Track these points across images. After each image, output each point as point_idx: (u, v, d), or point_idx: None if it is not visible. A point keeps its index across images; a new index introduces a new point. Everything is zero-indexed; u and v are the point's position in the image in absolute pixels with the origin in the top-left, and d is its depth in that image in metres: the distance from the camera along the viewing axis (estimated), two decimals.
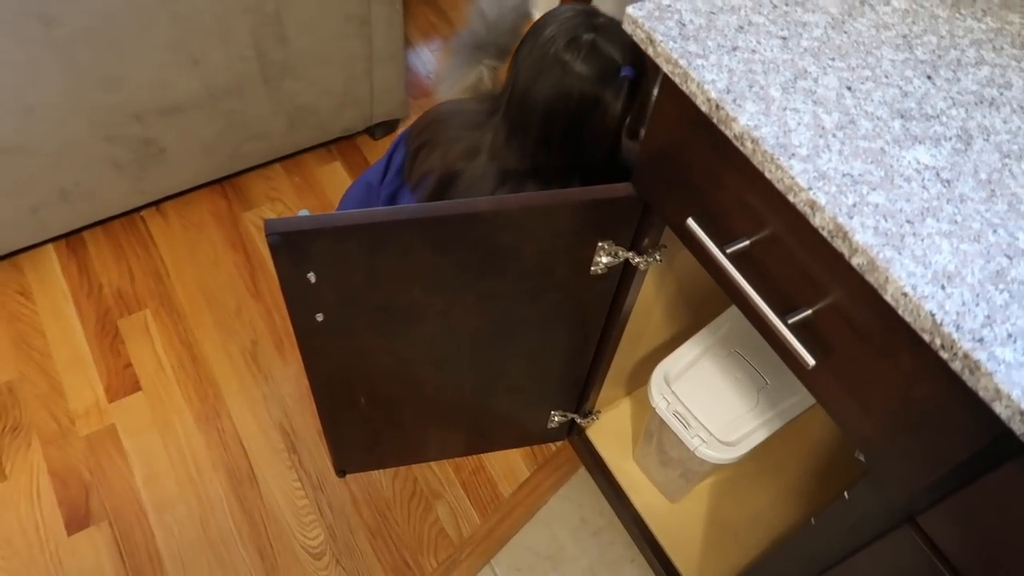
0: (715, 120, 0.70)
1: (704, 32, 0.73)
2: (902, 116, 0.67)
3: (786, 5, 0.76)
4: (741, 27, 0.74)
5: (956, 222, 0.60)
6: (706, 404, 1.10)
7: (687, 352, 1.14)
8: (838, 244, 0.61)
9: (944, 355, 0.55)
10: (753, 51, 0.72)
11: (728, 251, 0.75)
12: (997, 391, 0.52)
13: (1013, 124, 0.67)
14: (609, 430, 1.39)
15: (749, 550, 1.25)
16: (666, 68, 0.73)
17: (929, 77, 0.70)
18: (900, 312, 0.57)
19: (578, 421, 1.37)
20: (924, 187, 0.62)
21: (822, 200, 0.61)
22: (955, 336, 0.54)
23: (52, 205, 1.55)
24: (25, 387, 1.50)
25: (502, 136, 1.02)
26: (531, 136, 1.00)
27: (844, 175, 0.63)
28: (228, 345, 1.58)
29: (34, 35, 1.27)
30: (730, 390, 1.12)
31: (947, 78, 0.70)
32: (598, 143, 1.01)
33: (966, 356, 0.53)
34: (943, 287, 0.56)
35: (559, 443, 1.49)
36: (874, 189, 0.62)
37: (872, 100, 0.68)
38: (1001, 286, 0.56)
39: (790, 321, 0.70)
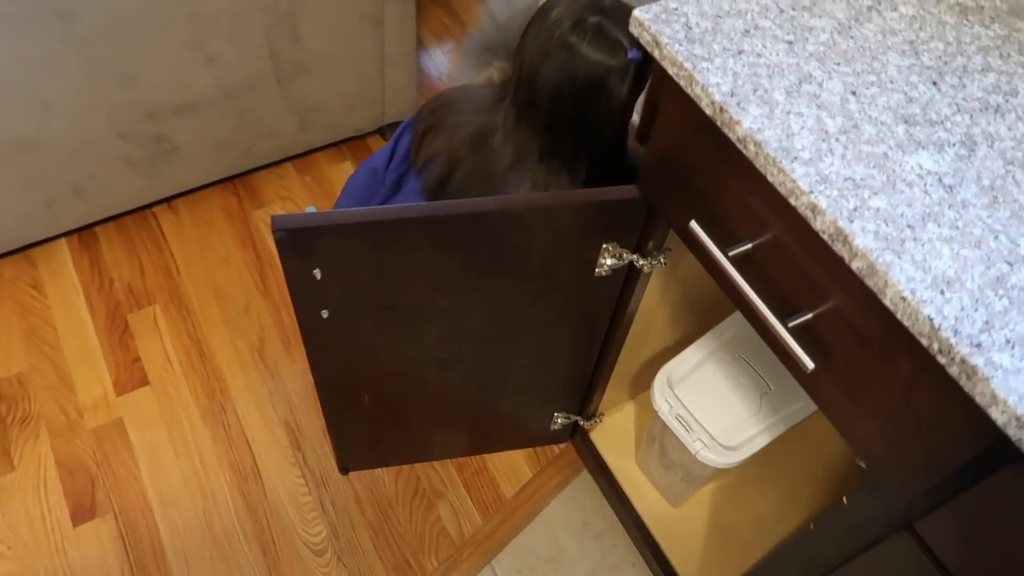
0: (719, 123, 0.70)
1: (710, 36, 0.73)
2: (906, 121, 0.67)
3: (793, 10, 0.76)
4: (747, 31, 0.74)
5: (957, 228, 0.60)
6: (708, 408, 1.10)
7: (691, 356, 1.14)
8: (838, 248, 0.61)
9: (942, 360, 0.55)
10: (758, 55, 0.72)
11: (730, 254, 0.75)
12: (994, 396, 0.52)
13: (1018, 131, 0.67)
14: (612, 433, 1.39)
15: (750, 555, 1.25)
16: (671, 71, 0.73)
17: (934, 83, 0.70)
18: (898, 316, 0.57)
19: (581, 423, 1.37)
20: (926, 192, 0.62)
21: (823, 204, 0.62)
22: (953, 341, 0.54)
23: (66, 200, 1.56)
24: (35, 379, 1.52)
25: (511, 120, 1.02)
26: (540, 120, 1.00)
27: (846, 179, 0.63)
28: (236, 341, 1.59)
29: (52, 32, 1.28)
30: (733, 395, 1.12)
31: (953, 84, 0.70)
32: (604, 127, 1.00)
33: (963, 361, 0.53)
34: (942, 292, 0.56)
35: (562, 445, 1.50)
36: (876, 193, 0.62)
37: (876, 105, 0.68)
38: (1001, 292, 0.56)
39: (790, 324, 0.70)
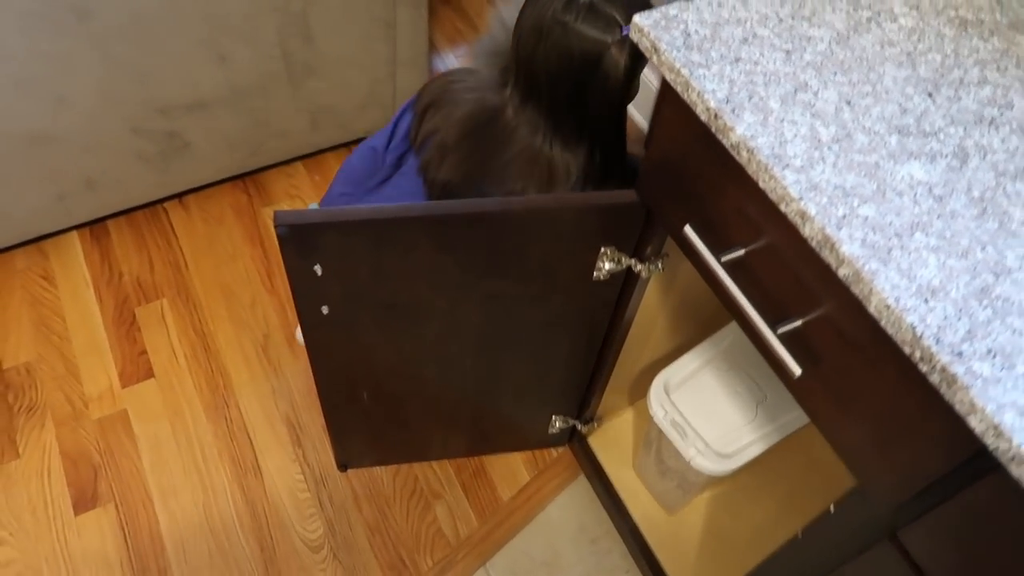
0: (713, 129, 0.70)
1: (708, 43, 0.74)
2: (899, 132, 0.68)
3: (792, 19, 0.77)
4: (746, 39, 0.75)
5: (945, 238, 0.60)
6: (704, 415, 1.10)
7: (688, 362, 1.15)
8: (826, 255, 0.62)
9: (923, 368, 0.55)
10: (755, 63, 0.73)
11: (724, 259, 0.75)
12: (972, 405, 0.52)
13: (1011, 144, 0.67)
14: (610, 439, 1.39)
15: (745, 564, 1.24)
16: (668, 76, 0.74)
17: (930, 95, 0.71)
18: (882, 324, 0.58)
19: (579, 427, 1.37)
20: (916, 202, 0.63)
21: (812, 210, 0.62)
22: (934, 349, 0.54)
23: (78, 193, 1.59)
24: (43, 369, 1.54)
25: (516, 101, 1.03)
26: (543, 103, 1.00)
27: (836, 187, 0.64)
28: (241, 337, 1.60)
29: (70, 28, 1.31)
30: (729, 402, 1.12)
31: (948, 96, 0.71)
32: (604, 107, 1.00)
33: (943, 369, 0.53)
34: (926, 301, 0.57)
35: (560, 449, 1.50)
36: (865, 202, 0.63)
37: (871, 115, 0.69)
38: (985, 302, 0.57)
39: (780, 331, 0.70)
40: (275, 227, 0.86)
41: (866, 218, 0.62)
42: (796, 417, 1.09)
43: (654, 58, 0.76)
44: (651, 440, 1.22)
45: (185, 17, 1.39)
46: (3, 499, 1.39)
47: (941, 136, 0.67)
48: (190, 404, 1.52)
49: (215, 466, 1.45)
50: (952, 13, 0.78)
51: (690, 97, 0.72)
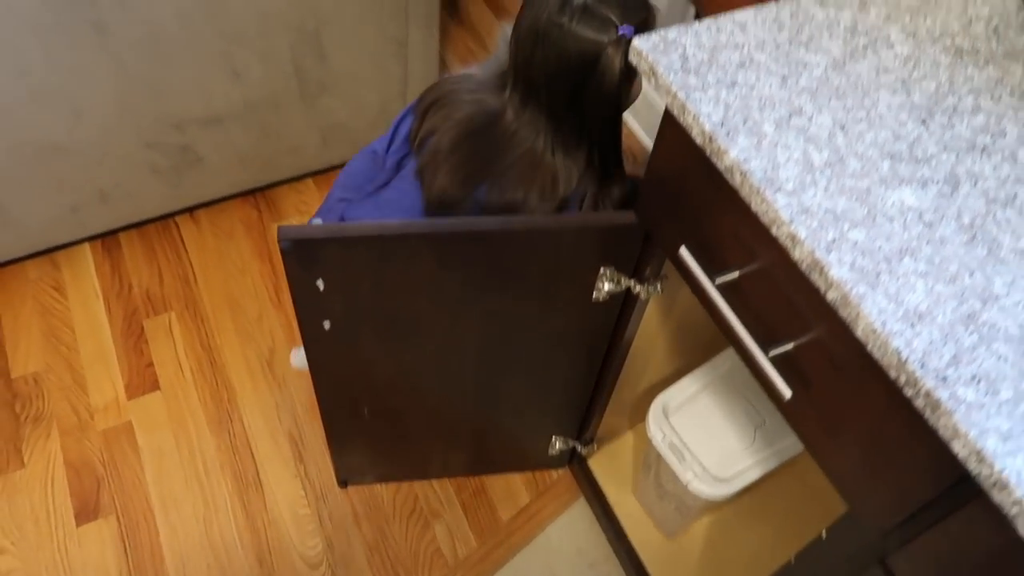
0: (708, 152, 0.71)
1: (705, 67, 0.75)
2: (892, 157, 0.68)
3: (789, 44, 0.78)
4: (743, 63, 0.76)
5: (933, 263, 0.61)
6: (702, 439, 1.10)
7: (687, 386, 1.15)
8: (815, 278, 0.62)
9: (908, 392, 0.55)
10: (751, 87, 0.73)
11: (718, 282, 0.76)
12: (955, 430, 0.52)
13: (1003, 172, 0.67)
14: (610, 462, 1.39)
15: None
16: (665, 100, 0.75)
17: (923, 122, 0.71)
18: (869, 348, 0.58)
19: (579, 449, 1.37)
20: (905, 227, 0.63)
21: (802, 234, 0.62)
22: (919, 374, 0.54)
23: (91, 205, 1.61)
24: (50, 379, 1.55)
25: (516, 103, 1.04)
26: (543, 104, 1.01)
27: (827, 211, 0.64)
28: (246, 351, 1.61)
29: (88, 41, 1.33)
30: (727, 426, 1.11)
31: (942, 123, 0.71)
32: (601, 107, 1.00)
33: (928, 394, 0.53)
34: (912, 325, 0.57)
35: (560, 471, 1.50)
36: (855, 226, 0.63)
37: (864, 141, 0.69)
38: (971, 328, 0.57)
39: (772, 354, 0.71)
40: (278, 241, 0.87)
41: (855, 242, 0.62)
42: (794, 443, 1.08)
43: (652, 81, 0.77)
44: (650, 463, 1.22)
45: (200, 33, 1.42)
46: (7, 508, 1.40)
47: (933, 163, 0.68)
48: (194, 417, 1.53)
49: (217, 480, 1.46)
50: (948, 41, 0.79)
51: (686, 120, 0.73)
